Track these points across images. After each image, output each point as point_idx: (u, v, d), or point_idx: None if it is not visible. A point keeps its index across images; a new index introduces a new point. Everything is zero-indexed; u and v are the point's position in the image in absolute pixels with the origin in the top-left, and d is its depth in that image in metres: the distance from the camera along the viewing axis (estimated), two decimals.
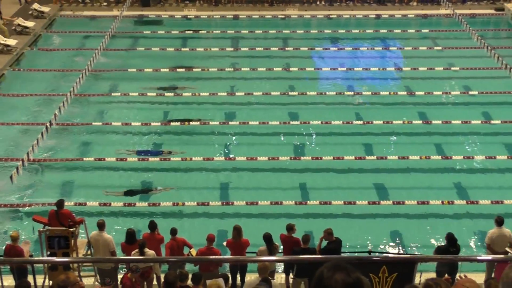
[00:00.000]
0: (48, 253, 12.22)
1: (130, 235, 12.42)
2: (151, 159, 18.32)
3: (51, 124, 19.54)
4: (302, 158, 18.31)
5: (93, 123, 20.23)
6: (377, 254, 13.55)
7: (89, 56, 24.42)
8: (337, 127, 19.93)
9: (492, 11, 30.98)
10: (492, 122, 20.10)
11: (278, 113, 20.89)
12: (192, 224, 15.64)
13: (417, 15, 30.83)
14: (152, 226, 12.78)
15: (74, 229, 12.60)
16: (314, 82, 23.74)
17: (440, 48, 26.61)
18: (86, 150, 19.07)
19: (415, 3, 31.79)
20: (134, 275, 11.06)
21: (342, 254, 12.52)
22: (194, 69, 24.32)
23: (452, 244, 12.30)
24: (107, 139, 19.64)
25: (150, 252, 11.81)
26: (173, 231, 12.58)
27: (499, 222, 12.84)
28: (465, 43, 26.13)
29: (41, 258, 12.46)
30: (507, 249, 12.28)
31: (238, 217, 15.56)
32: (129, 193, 16.95)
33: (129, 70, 24.28)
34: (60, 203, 13.03)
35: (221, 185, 17.31)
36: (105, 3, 31.72)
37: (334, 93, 22.37)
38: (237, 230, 12.54)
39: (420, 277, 10.58)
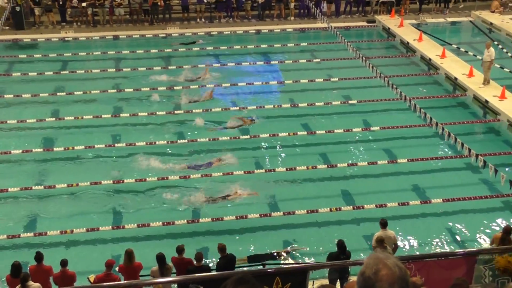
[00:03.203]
0: None
1: (15, 268, 11.90)
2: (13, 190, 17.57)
3: None
4: (191, 176, 18.22)
5: None
6: (270, 266, 13.71)
7: None
8: (225, 143, 20.06)
9: (365, 23, 32.50)
10: (372, 129, 20.99)
11: (165, 134, 20.73)
12: (80, 251, 15.15)
13: (295, 29, 31.73)
14: (38, 257, 12.30)
15: None
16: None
17: (318, 60, 27.52)
18: None
19: (292, 18, 32.74)
20: None
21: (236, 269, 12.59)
22: (75, 93, 23.63)
23: (342, 251, 12.74)
24: None
25: (34, 285, 11.31)
26: (63, 263, 12.21)
27: (383, 224, 13.51)
28: (342, 55, 27.10)
29: None
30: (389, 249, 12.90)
31: (128, 241, 15.26)
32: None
33: (5, 96, 23.25)
34: None
35: (113, 210, 16.88)
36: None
37: (220, 109, 22.47)
38: (128, 254, 12.34)
39: (313, 285, 10.84)
